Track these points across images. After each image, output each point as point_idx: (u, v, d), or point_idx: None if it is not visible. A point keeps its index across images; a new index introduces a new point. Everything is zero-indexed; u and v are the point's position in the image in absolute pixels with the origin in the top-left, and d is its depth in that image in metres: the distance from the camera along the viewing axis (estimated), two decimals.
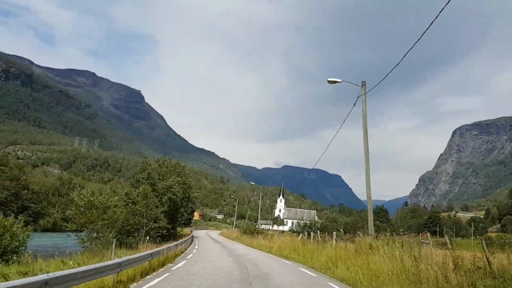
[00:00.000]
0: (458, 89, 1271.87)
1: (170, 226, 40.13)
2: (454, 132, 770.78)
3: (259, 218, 75.56)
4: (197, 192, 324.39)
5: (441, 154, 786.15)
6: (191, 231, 70.21)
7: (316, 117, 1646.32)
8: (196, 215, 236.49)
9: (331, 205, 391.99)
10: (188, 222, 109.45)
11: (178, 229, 60.92)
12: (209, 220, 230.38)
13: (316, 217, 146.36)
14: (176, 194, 41.80)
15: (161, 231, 37.46)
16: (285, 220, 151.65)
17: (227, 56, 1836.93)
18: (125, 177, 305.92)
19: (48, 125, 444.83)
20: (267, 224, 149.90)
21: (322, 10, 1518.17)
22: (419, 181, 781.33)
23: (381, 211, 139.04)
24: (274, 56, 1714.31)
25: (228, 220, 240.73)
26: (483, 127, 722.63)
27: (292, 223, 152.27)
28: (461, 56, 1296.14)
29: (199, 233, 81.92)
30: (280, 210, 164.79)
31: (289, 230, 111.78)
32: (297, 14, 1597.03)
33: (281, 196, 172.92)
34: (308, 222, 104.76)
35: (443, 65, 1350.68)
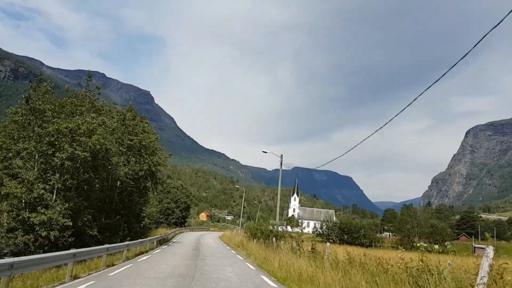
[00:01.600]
0: (471, 89, 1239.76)
1: (71, 223, 16.51)
2: (467, 133, 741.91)
3: (277, 216, 53.56)
4: (205, 193, 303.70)
5: (454, 155, 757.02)
6: (172, 234, 46.59)
7: (326, 119, 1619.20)
8: (203, 216, 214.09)
9: (345, 206, 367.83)
10: (181, 222, 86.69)
11: (160, 229, 38.59)
12: (218, 221, 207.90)
13: (334, 217, 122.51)
14: (101, 149, 18.50)
15: (43, 233, 15.03)
16: (300, 221, 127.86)
17: (237, 57, 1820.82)
18: None
19: None
20: (279, 225, 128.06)
21: (331, 10, 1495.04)
22: (432, 182, 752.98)
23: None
24: (283, 58, 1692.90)
25: (237, 221, 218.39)
26: (497, 127, 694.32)
27: (308, 224, 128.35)
28: (473, 56, 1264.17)
29: (189, 236, 57.28)
30: (294, 210, 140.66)
31: (313, 232, 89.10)
32: (306, 15, 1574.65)
33: (295, 195, 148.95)
34: (339, 222, 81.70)
35: (455, 65, 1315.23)
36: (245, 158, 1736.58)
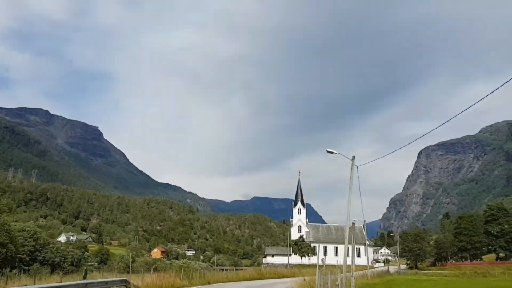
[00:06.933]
0: (415, 115, 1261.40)
1: None
2: (419, 153, 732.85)
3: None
4: (160, 225, 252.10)
5: (409, 176, 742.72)
6: None
7: (280, 148, 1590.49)
8: (156, 253, 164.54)
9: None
10: None
11: None
12: (176, 258, 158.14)
13: (365, 233, 77.20)
14: None
15: None
16: (312, 245, 77.79)
17: (189, 90, 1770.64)
18: (67, 212, 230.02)
19: None
20: (280, 253, 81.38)
21: (279, 42, 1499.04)
22: (390, 204, 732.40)
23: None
24: (235, 89, 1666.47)
25: (201, 257, 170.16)
26: (448, 147, 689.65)
27: (325, 249, 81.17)
28: (417, 83, 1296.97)
29: None
30: (300, 229, 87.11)
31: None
32: (255, 47, 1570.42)
33: (299, 204, 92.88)
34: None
35: (399, 92, 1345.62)
36: (203, 190, 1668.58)
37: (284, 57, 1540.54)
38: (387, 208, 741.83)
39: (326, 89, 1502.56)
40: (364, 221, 50.50)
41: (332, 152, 21.17)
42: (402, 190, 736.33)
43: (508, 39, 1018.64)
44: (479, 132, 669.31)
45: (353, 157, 21.43)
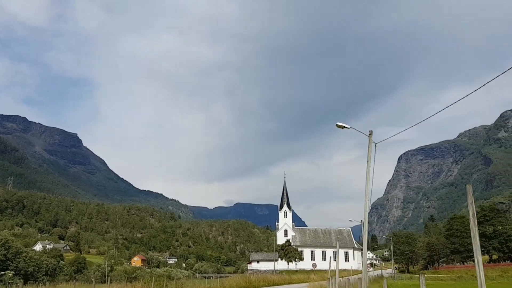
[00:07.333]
0: (395, 120, 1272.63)
1: None
2: (400, 158, 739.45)
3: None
4: (141, 233, 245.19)
5: (389, 180, 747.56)
6: None
7: (263, 154, 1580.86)
8: (137, 261, 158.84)
9: None
10: None
11: None
12: (157, 266, 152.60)
13: (354, 241, 74.19)
14: None
15: None
16: (299, 250, 74.45)
17: (171, 96, 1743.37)
18: (44, 220, 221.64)
19: None
20: (266, 259, 77.90)
21: (261, 48, 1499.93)
22: (371, 208, 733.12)
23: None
24: (217, 95, 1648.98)
25: (183, 264, 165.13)
26: (427, 151, 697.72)
27: (312, 254, 77.87)
28: (394, 90, 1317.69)
29: None
30: (286, 232, 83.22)
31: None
32: (237, 53, 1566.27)
33: (285, 207, 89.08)
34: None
35: (380, 98, 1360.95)
36: (185, 197, 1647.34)
37: (266, 63, 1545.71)
38: (369, 213, 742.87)
39: (307, 95, 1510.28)
40: (361, 220, 47.50)
41: (344, 127, 18.62)
42: (383, 195, 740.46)
43: (486, 46, 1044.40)
44: (457, 137, 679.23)
45: (371, 132, 18.52)
